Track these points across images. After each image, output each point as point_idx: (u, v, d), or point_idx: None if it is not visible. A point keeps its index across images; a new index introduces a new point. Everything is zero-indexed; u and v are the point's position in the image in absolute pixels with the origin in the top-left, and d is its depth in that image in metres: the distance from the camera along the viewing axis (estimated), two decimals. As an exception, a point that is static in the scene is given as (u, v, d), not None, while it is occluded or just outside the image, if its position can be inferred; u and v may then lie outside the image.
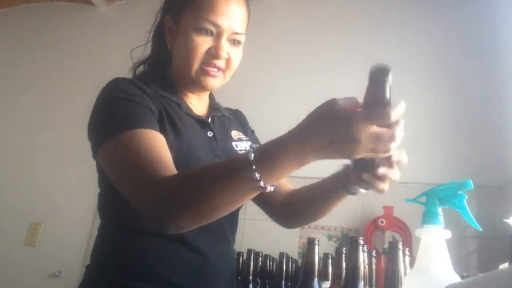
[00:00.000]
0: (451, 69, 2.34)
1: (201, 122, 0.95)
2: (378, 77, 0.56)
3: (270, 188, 0.63)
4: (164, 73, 0.98)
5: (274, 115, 2.37)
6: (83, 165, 2.83)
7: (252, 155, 0.61)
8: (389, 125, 0.58)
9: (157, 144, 0.76)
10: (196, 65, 0.89)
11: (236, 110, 1.15)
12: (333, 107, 0.58)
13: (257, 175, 0.61)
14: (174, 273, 0.84)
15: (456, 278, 0.77)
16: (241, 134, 1.05)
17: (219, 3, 0.88)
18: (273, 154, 0.61)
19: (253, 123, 1.16)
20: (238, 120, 1.11)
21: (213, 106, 1.04)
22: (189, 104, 0.96)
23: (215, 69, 0.90)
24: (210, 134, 0.95)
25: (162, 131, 0.83)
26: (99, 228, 0.93)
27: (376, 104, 0.57)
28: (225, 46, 0.90)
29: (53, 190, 2.78)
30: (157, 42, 1.00)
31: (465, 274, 1.19)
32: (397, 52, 2.44)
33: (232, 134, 1.02)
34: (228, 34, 0.90)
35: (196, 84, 0.93)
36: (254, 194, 0.65)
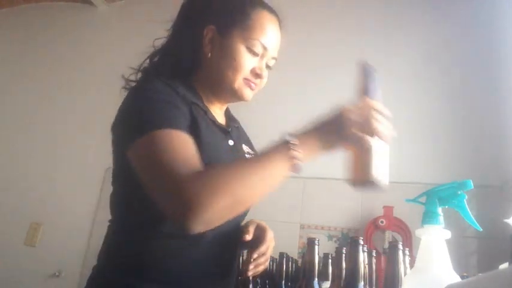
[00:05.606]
0: (451, 69, 2.34)
1: (224, 130, 0.98)
2: (366, 68, 0.80)
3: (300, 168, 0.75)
4: (188, 78, 0.98)
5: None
6: (83, 165, 2.84)
7: (289, 138, 0.74)
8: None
9: (188, 145, 0.78)
10: (240, 78, 0.94)
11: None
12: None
13: (296, 153, 0.73)
14: (184, 276, 0.85)
15: (456, 278, 0.77)
16: (249, 148, 1.09)
17: (270, 29, 0.96)
18: (304, 139, 0.75)
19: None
20: (243, 132, 1.15)
21: (229, 116, 1.09)
22: (213, 112, 0.98)
23: (253, 84, 0.97)
24: (231, 143, 0.98)
25: (190, 135, 0.84)
26: (108, 228, 0.93)
27: (363, 92, 0.78)
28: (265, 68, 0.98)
29: (53, 190, 2.78)
30: (185, 45, 0.97)
31: (465, 274, 1.19)
32: (397, 52, 2.44)
33: (243, 147, 1.07)
34: (268, 58, 0.98)
35: (234, 95, 0.97)
36: (287, 173, 0.75)
